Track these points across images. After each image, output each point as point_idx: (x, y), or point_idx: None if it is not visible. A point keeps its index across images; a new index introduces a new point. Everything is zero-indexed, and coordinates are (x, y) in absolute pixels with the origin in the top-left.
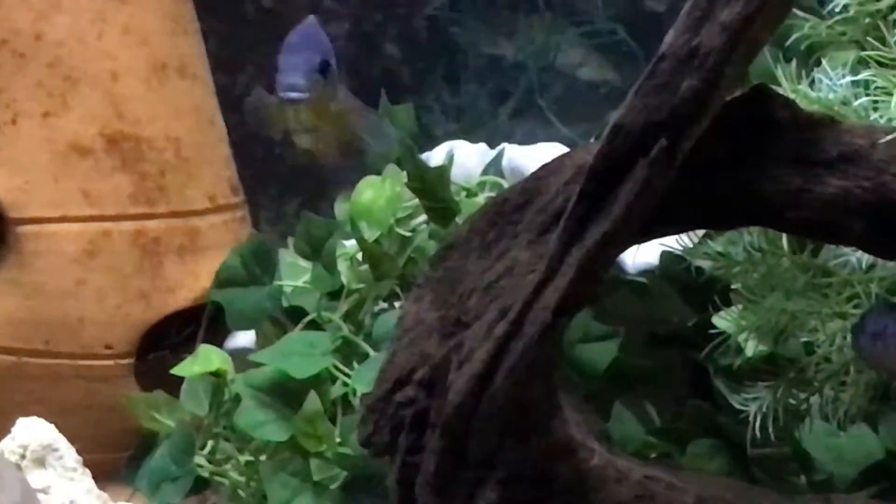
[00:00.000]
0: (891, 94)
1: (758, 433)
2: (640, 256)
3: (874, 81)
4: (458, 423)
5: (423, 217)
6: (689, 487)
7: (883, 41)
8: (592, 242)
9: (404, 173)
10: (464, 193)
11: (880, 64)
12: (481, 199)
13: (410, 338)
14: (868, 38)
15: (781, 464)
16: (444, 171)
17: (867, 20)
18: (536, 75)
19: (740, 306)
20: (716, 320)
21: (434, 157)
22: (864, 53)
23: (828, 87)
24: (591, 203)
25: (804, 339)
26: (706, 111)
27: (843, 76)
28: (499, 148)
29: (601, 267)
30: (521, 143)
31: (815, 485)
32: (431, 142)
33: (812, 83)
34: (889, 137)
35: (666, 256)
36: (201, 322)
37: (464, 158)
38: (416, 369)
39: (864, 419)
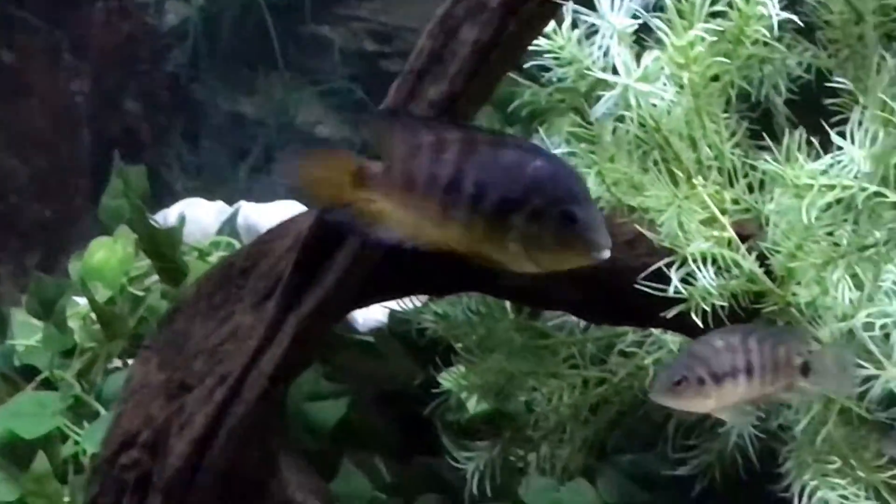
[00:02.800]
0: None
1: (475, 489)
2: (370, 315)
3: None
4: (178, 485)
5: (157, 277)
6: None
7: None
8: (308, 310)
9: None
10: (195, 254)
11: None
12: (214, 258)
13: (136, 400)
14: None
15: None
16: (174, 231)
17: (584, 89)
18: (276, 132)
19: (462, 367)
20: (441, 379)
21: (171, 214)
22: (568, 129)
23: None
24: (306, 271)
25: (524, 399)
26: None
27: (559, 144)
28: (234, 206)
29: (317, 334)
30: (260, 199)
31: None
32: (171, 199)
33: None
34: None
35: (393, 316)
36: None
37: (201, 216)
38: (141, 432)
39: (583, 474)
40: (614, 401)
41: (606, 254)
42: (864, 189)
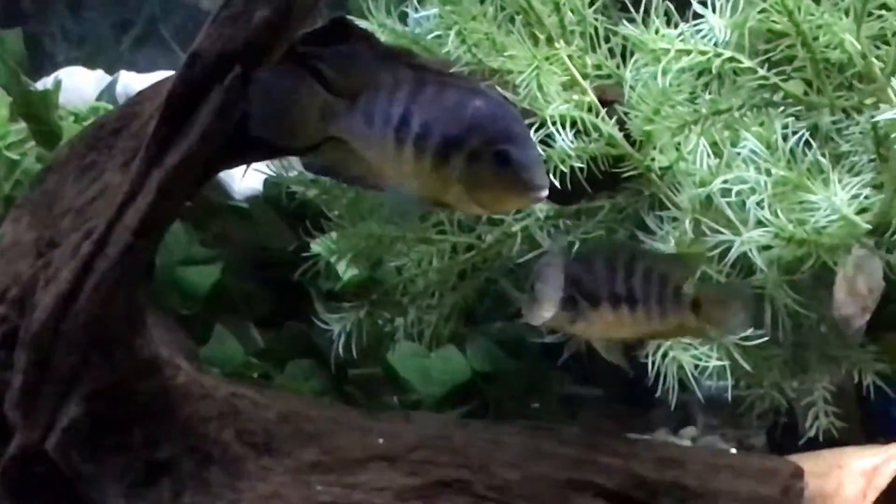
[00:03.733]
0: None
1: (342, 352)
2: (247, 182)
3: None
4: (43, 339)
5: (33, 141)
6: (272, 404)
7: None
8: (171, 165)
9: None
10: (72, 118)
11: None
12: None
13: (6, 258)
14: None
15: (377, 384)
16: (49, 94)
17: None
18: (159, 4)
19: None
20: (313, 245)
21: (51, 82)
22: None
23: (415, 22)
24: (171, 127)
25: (394, 264)
26: (279, 41)
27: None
28: (114, 76)
29: (182, 188)
30: (142, 70)
31: (406, 404)
32: (53, 68)
33: (402, 18)
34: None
35: (268, 183)
36: None
37: (80, 84)
38: (10, 288)
39: (452, 341)
40: (483, 267)
41: (544, 194)
42: (719, 55)
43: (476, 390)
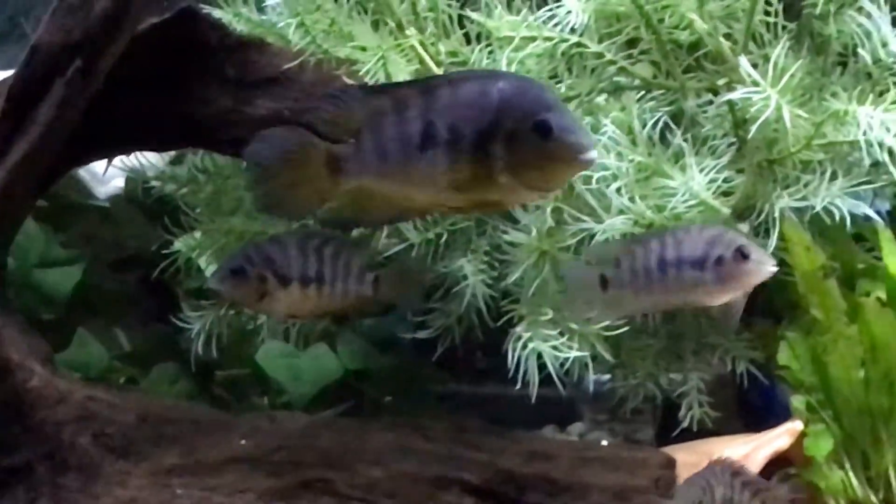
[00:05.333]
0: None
1: (208, 352)
2: (112, 183)
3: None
4: None
5: None
6: (131, 407)
7: None
8: (13, 163)
9: None
10: None
11: None
12: None
13: None
14: None
15: (245, 385)
16: None
17: None
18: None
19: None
20: (176, 243)
21: None
22: None
23: (272, 10)
24: (12, 124)
25: None
26: (121, 32)
27: None
28: None
29: (27, 186)
30: (3, 67)
31: (276, 405)
32: None
33: (260, 6)
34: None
35: (129, 181)
36: None
37: None
38: None
39: (322, 339)
40: None
41: (593, 154)
42: (565, 40)
43: (350, 389)
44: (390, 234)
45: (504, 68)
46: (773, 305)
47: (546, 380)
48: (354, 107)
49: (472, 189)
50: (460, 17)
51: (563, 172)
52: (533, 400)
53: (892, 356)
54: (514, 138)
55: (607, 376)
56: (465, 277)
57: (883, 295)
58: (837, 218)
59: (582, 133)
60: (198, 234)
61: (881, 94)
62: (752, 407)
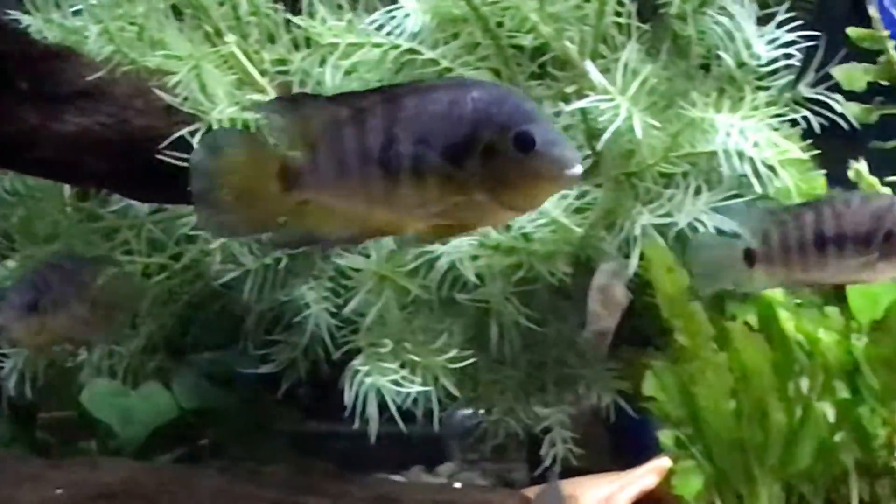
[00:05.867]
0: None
1: (25, 393)
2: None
3: None
4: None
5: None
6: None
7: None
8: None
9: None
10: None
11: None
12: None
13: None
14: None
15: (72, 428)
16: None
17: None
18: None
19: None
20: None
21: None
22: None
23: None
24: None
25: None
26: None
27: None
28: None
29: None
30: None
31: (105, 450)
32: None
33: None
34: None
35: None
36: None
37: None
38: None
39: (156, 376)
40: (181, 292)
41: (579, 169)
42: (395, 47)
43: (188, 430)
44: (224, 260)
45: (328, 78)
46: (643, 331)
47: (411, 417)
48: (311, 115)
49: (442, 209)
50: (289, 22)
51: (546, 190)
52: (372, 439)
53: (763, 385)
54: (491, 152)
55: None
56: (307, 306)
57: (754, 318)
58: None
59: (566, 146)
60: (10, 263)
61: (741, 99)
62: (622, 442)
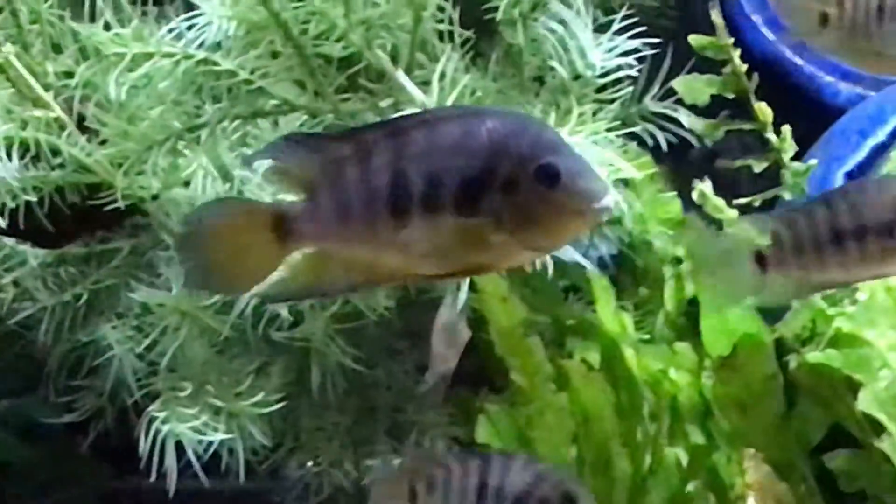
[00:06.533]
0: None
1: None
2: None
3: None
4: None
5: None
6: None
7: None
8: None
9: None
10: None
11: None
12: None
13: None
14: None
15: None
16: None
17: None
18: None
19: None
20: None
21: None
22: None
23: None
24: None
25: None
26: None
27: None
28: None
29: None
30: None
31: None
32: None
33: None
34: None
35: None
36: None
37: None
38: None
39: None
40: None
41: (610, 200)
42: (189, 57)
43: None
44: (18, 297)
45: (112, 92)
46: (481, 371)
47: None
48: (307, 155)
49: (456, 252)
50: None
51: (573, 226)
52: (171, 493)
53: (606, 430)
54: (511, 188)
55: None
56: (110, 347)
57: (597, 355)
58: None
59: (594, 177)
60: None
61: (568, 112)
62: None
